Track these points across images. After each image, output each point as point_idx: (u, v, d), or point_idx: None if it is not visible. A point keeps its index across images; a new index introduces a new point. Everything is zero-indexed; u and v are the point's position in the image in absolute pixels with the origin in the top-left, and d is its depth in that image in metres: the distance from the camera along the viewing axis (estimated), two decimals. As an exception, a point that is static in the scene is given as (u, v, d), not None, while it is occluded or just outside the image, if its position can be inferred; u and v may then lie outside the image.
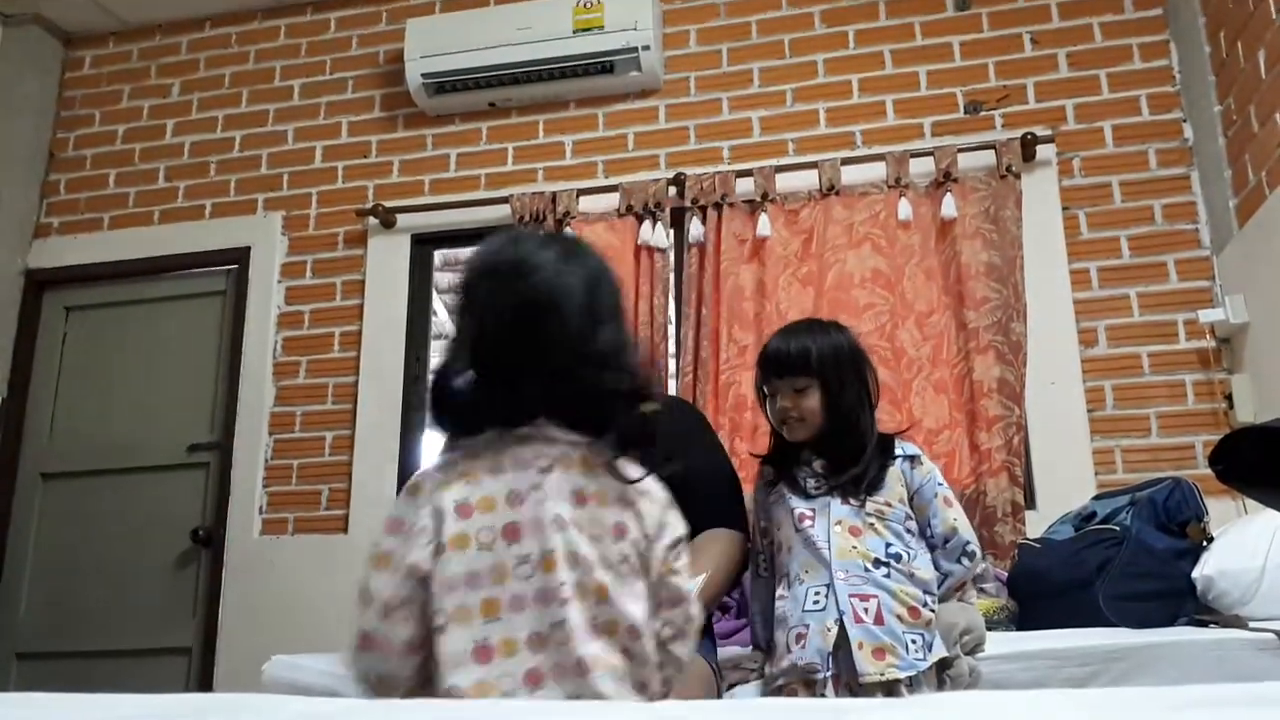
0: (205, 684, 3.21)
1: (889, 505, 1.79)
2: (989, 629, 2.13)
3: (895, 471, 1.82)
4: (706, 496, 1.97)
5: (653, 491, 1.19)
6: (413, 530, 1.11)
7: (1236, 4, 2.77)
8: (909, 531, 1.79)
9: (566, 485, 1.12)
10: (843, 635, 1.66)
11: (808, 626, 1.70)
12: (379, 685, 1.10)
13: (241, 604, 3.27)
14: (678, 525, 1.20)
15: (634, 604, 1.10)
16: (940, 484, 1.85)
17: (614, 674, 1.06)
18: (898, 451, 1.86)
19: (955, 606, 1.83)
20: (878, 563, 1.72)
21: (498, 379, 1.15)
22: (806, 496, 1.81)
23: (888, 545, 1.75)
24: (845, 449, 1.81)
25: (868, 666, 1.63)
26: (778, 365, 1.84)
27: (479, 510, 1.11)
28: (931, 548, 1.82)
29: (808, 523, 1.78)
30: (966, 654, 1.79)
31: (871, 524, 1.76)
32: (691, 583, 1.21)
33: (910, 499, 1.82)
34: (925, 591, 1.74)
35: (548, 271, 1.17)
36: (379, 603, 1.09)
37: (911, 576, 1.73)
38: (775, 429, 1.90)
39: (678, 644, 1.16)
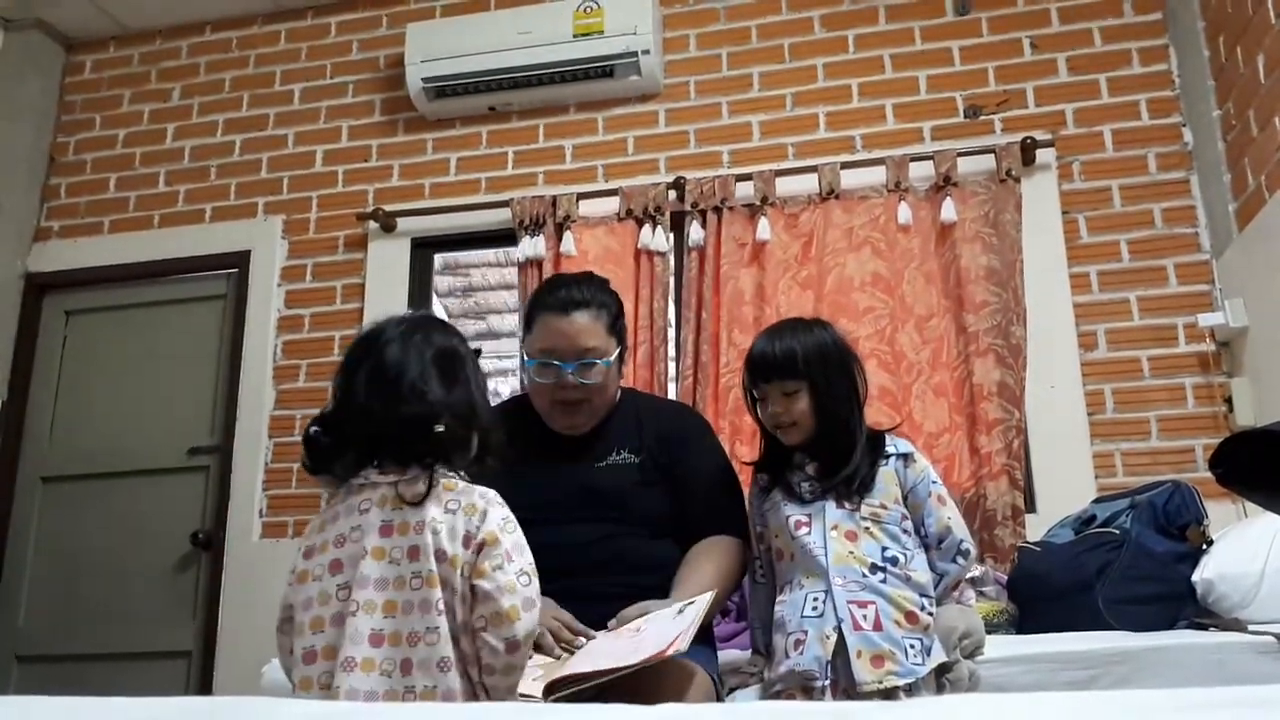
0: (205, 687, 3.21)
1: (884, 507, 1.78)
2: (989, 632, 2.12)
3: (889, 471, 1.81)
4: (706, 502, 1.97)
5: (457, 512, 1.40)
6: (291, 570, 1.47)
7: (1235, 9, 2.77)
8: (905, 532, 1.78)
9: (377, 521, 1.40)
10: (841, 642, 1.66)
11: (806, 632, 1.69)
12: (290, 678, 1.43)
13: (241, 607, 3.27)
14: (485, 534, 1.38)
15: (424, 615, 1.34)
16: (935, 482, 1.83)
17: (375, 672, 1.32)
18: (890, 449, 1.84)
19: (954, 610, 1.82)
20: (875, 568, 1.71)
21: (331, 431, 1.45)
22: (801, 502, 1.80)
23: (884, 549, 1.74)
24: (837, 450, 1.80)
25: (865, 675, 1.62)
26: (765, 369, 1.83)
27: (318, 551, 1.43)
28: (926, 547, 1.81)
29: (804, 529, 1.77)
30: (966, 657, 1.78)
31: (867, 527, 1.75)
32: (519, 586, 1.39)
33: (905, 498, 1.81)
34: (922, 595, 1.73)
35: (370, 336, 1.50)
36: (276, 623, 1.48)
37: (908, 580, 1.72)
38: (766, 433, 1.89)
39: (489, 633, 1.35)
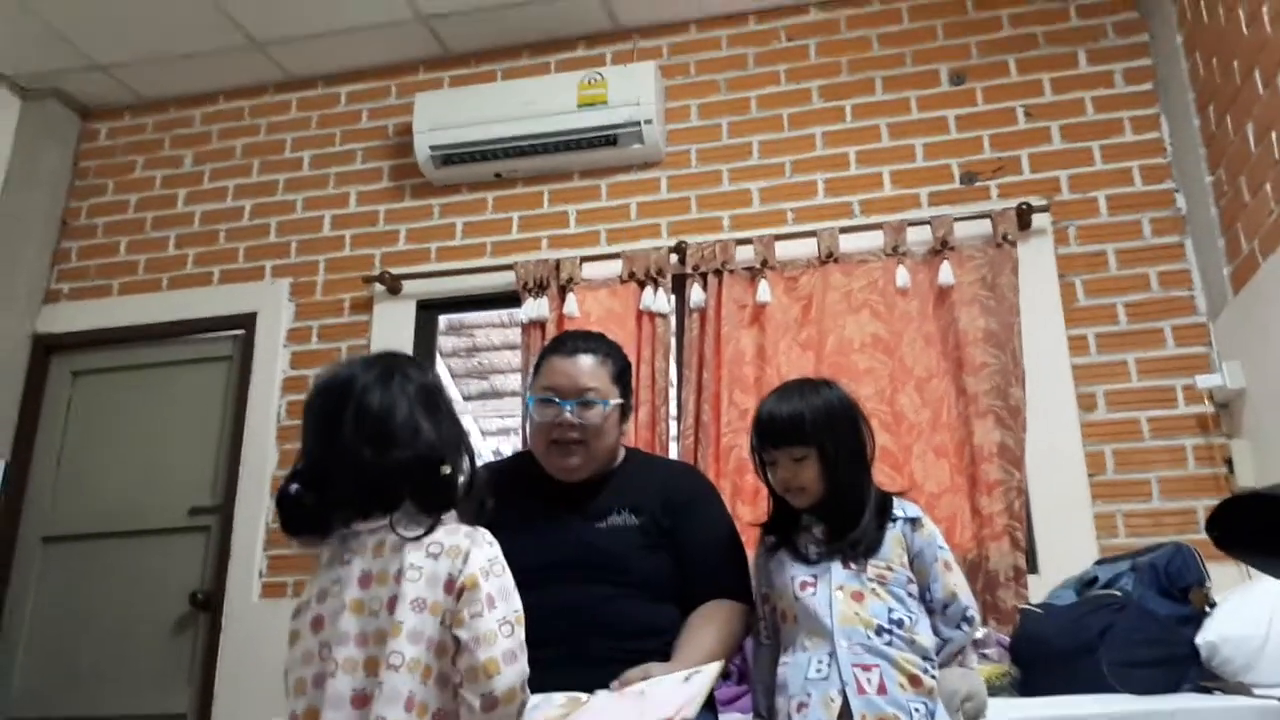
0: (200, 752, 3.17)
1: (890, 569, 1.77)
2: (991, 695, 2.10)
3: (896, 534, 1.80)
4: (709, 566, 1.97)
5: (440, 556, 1.31)
6: (289, 632, 1.41)
7: (1224, 79, 2.85)
8: (910, 595, 1.77)
9: (357, 571, 1.33)
10: (846, 707, 1.64)
11: (810, 695, 1.67)
12: None
13: (238, 669, 3.24)
14: (465, 578, 1.29)
15: (401, 676, 1.25)
16: (941, 547, 1.83)
17: None
18: (898, 513, 1.83)
19: (958, 672, 1.82)
20: (880, 630, 1.70)
21: (313, 486, 1.38)
22: (808, 563, 1.79)
23: (890, 610, 1.73)
24: (846, 512, 1.80)
25: None
26: (772, 434, 1.83)
27: (306, 609, 1.37)
28: (930, 612, 1.80)
29: (810, 590, 1.76)
30: None
31: (874, 589, 1.74)
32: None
33: (911, 562, 1.80)
34: (925, 659, 1.72)
35: (345, 384, 1.42)
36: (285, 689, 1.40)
37: (912, 643, 1.71)
38: (773, 494, 1.89)
39: (465, 689, 1.25)
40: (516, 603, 1.32)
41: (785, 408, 1.83)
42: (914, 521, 1.83)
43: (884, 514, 1.82)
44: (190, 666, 3.34)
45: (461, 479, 1.40)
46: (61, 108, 4.03)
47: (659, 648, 1.82)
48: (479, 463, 1.45)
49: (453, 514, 1.39)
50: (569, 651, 1.80)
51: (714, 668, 1.64)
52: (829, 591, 1.74)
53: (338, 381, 1.44)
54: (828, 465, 1.79)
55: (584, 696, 1.66)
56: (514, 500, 2.03)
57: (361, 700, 1.25)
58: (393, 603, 1.28)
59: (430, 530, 1.33)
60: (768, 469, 1.87)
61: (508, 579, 1.33)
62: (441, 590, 1.29)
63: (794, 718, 1.68)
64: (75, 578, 3.52)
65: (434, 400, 1.44)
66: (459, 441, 1.42)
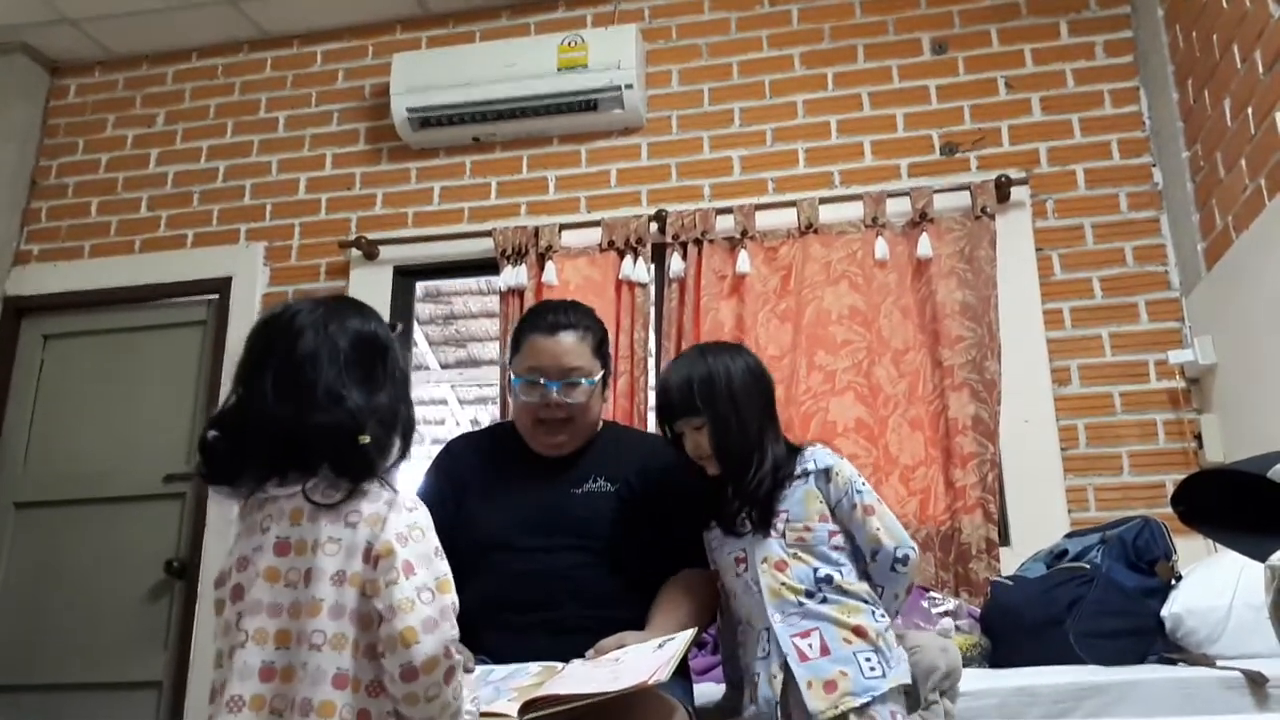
0: (176, 718, 3.17)
1: (808, 529, 1.71)
2: (963, 666, 2.14)
3: (810, 490, 1.74)
4: (683, 535, 1.98)
5: (358, 525, 1.25)
6: None
7: (1203, 54, 2.85)
8: (837, 548, 1.71)
9: (273, 538, 1.26)
10: (790, 678, 1.62)
11: (758, 675, 1.67)
12: None
13: (215, 637, 3.23)
14: (380, 545, 1.24)
15: (298, 649, 1.21)
16: (859, 492, 1.73)
17: (264, 711, 1.19)
18: (808, 465, 1.76)
19: (937, 646, 1.78)
20: (809, 594, 1.67)
21: (231, 435, 1.30)
22: (737, 536, 1.75)
23: (815, 571, 1.69)
24: (750, 480, 1.73)
25: (819, 704, 1.58)
26: (666, 407, 1.79)
27: (227, 577, 1.30)
28: (861, 558, 1.74)
29: (743, 566, 1.73)
30: (943, 694, 1.77)
31: (795, 553, 1.70)
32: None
33: (832, 513, 1.74)
34: (869, 602, 1.68)
35: (283, 324, 1.33)
36: None
37: (847, 592, 1.68)
38: (691, 467, 1.83)
39: (386, 659, 1.21)
40: (440, 568, 1.26)
41: (673, 379, 1.79)
42: (826, 472, 1.75)
43: (780, 470, 1.74)
44: (165, 634, 3.33)
45: (392, 450, 1.31)
46: (30, 63, 3.94)
47: (633, 616, 1.84)
48: (415, 436, 1.37)
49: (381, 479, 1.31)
50: (542, 619, 1.83)
51: (687, 635, 1.65)
52: (756, 565, 1.71)
53: (278, 320, 1.34)
54: (714, 434, 1.74)
55: (559, 665, 1.68)
56: (491, 465, 2.05)
57: (269, 673, 1.20)
58: (309, 575, 1.23)
59: (348, 497, 1.26)
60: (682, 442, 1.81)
61: (428, 543, 1.27)
62: (360, 560, 1.23)
63: (750, 703, 1.68)
64: (48, 544, 3.50)
65: (371, 358, 1.33)
66: (391, 413, 1.32)
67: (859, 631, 1.64)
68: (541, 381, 1.97)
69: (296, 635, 1.22)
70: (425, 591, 1.22)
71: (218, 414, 1.32)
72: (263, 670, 1.20)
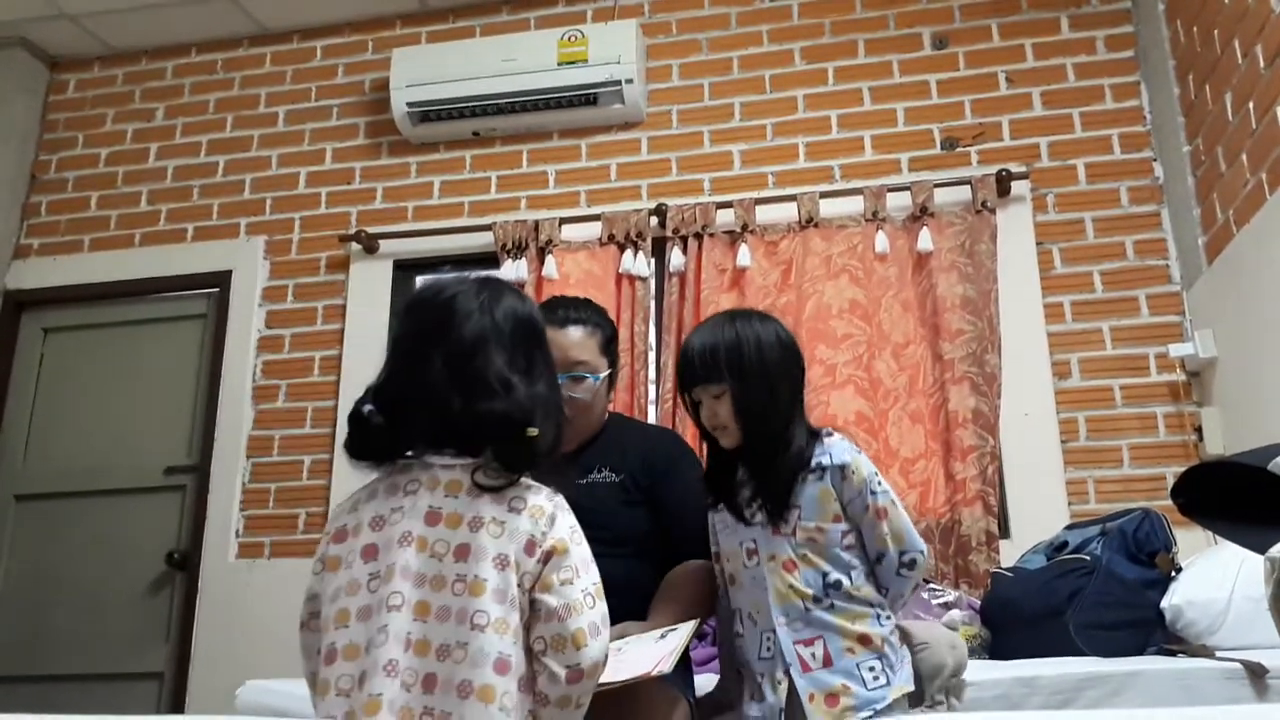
0: (177, 709, 3.18)
1: (820, 530, 1.63)
2: (964, 657, 2.14)
3: (825, 488, 1.64)
4: (686, 525, 1.97)
5: (522, 512, 1.23)
6: (318, 556, 1.28)
7: (1204, 48, 2.85)
8: (848, 549, 1.64)
9: (424, 505, 1.22)
10: (793, 685, 1.57)
11: (762, 676, 1.62)
12: (312, 683, 1.23)
13: (215, 628, 3.25)
14: (554, 541, 1.22)
15: (459, 626, 1.15)
16: (874, 493, 1.63)
17: (402, 685, 1.13)
18: (823, 460, 1.64)
19: (946, 643, 1.71)
20: (817, 599, 1.60)
21: (389, 412, 1.26)
22: (748, 524, 1.66)
23: (825, 576, 1.61)
24: (762, 458, 1.65)
25: (821, 717, 1.54)
26: (688, 370, 1.69)
27: (350, 534, 1.24)
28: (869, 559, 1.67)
29: (754, 560, 1.65)
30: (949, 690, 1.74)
31: (805, 554, 1.62)
32: (580, 616, 1.22)
33: (845, 511, 1.65)
34: (875, 605, 1.62)
35: (445, 307, 1.29)
36: (300, 619, 1.29)
37: (854, 598, 1.61)
38: (703, 438, 1.75)
39: (549, 657, 1.18)
40: (596, 574, 1.25)
41: (697, 342, 1.70)
42: (842, 469, 1.64)
43: (802, 456, 1.64)
44: (167, 626, 3.34)
45: (546, 443, 1.27)
46: (29, 58, 3.94)
47: (636, 605, 1.83)
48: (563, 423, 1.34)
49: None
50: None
51: (689, 626, 1.65)
52: (764, 564, 1.64)
53: (439, 301, 1.30)
54: (739, 402, 1.65)
55: None
56: None
57: (406, 643, 1.15)
58: (464, 551, 1.18)
59: (511, 484, 1.23)
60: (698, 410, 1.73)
61: (588, 548, 1.26)
62: (523, 549, 1.19)
63: (752, 700, 1.64)
64: (49, 537, 3.51)
65: (531, 346, 1.31)
66: (551, 401, 1.30)
67: (864, 640, 1.59)
68: None
69: (442, 610, 1.16)
70: (588, 596, 1.22)
71: (374, 388, 1.28)
72: (405, 639, 1.15)
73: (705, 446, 1.78)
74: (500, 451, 1.23)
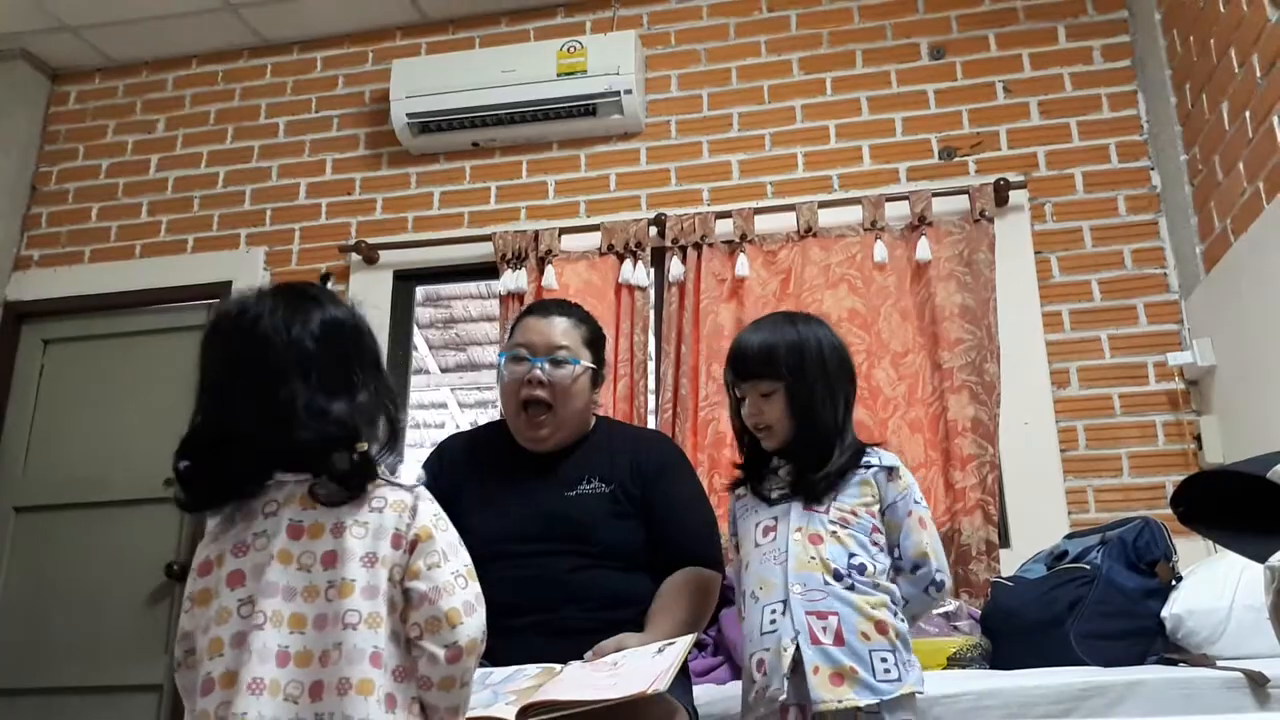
0: (176, 722, 3.18)
1: (854, 513, 1.62)
2: (962, 667, 2.15)
3: (868, 479, 1.66)
4: (679, 531, 1.98)
5: (384, 510, 1.24)
6: (187, 594, 1.27)
7: (1201, 58, 2.86)
8: (875, 545, 1.63)
9: (285, 521, 1.23)
10: (799, 655, 1.53)
11: (767, 650, 1.57)
12: None
13: (215, 640, 3.24)
14: (418, 530, 1.24)
15: (334, 630, 1.17)
16: (917, 502, 1.66)
17: (279, 697, 1.14)
18: (873, 460, 1.68)
19: None
20: (838, 575, 1.57)
21: (211, 458, 1.24)
22: (770, 503, 1.68)
23: (850, 555, 1.59)
24: (813, 454, 1.66)
25: (823, 693, 1.50)
26: (740, 366, 1.70)
27: (215, 565, 1.24)
28: (897, 569, 1.65)
29: (770, 535, 1.64)
30: None
31: (834, 531, 1.60)
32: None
33: (882, 513, 1.65)
34: (895, 602, 1.60)
35: (241, 340, 1.26)
36: (175, 659, 1.28)
37: (877, 586, 1.59)
38: (740, 434, 1.76)
39: (427, 640, 1.20)
40: (466, 557, 1.27)
41: (756, 339, 1.71)
42: (890, 470, 1.67)
43: (855, 458, 1.67)
44: (166, 638, 3.33)
45: (381, 443, 1.27)
46: (30, 70, 3.95)
47: (631, 617, 1.83)
48: (404, 420, 1.36)
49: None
50: (541, 621, 1.81)
51: (687, 640, 1.63)
52: (787, 534, 1.62)
53: (236, 325, 1.27)
54: (795, 403, 1.66)
55: (557, 668, 1.67)
56: (483, 470, 2.04)
57: (284, 658, 1.16)
58: (332, 558, 1.20)
59: (353, 495, 1.24)
60: (741, 405, 1.73)
61: (454, 533, 1.28)
62: (389, 544, 1.22)
63: (755, 676, 1.59)
64: (48, 548, 3.50)
65: (345, 353, 1.28)
66: (376, 407, 1.27)
67: (880, 627, 1.55)
68: (526, 356, 1.98)
69: (319, 619, 1.18)
70: (460, 578, 1.24)
71: (188, 439, 1.26)
72: (278, 654, 1.16)
73: (741, 441, 1.78)
74: (334, 475, 1.23)
